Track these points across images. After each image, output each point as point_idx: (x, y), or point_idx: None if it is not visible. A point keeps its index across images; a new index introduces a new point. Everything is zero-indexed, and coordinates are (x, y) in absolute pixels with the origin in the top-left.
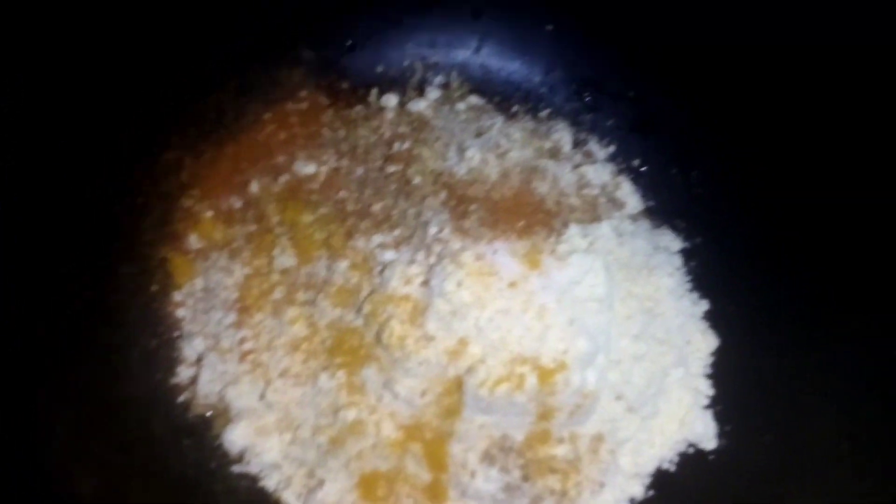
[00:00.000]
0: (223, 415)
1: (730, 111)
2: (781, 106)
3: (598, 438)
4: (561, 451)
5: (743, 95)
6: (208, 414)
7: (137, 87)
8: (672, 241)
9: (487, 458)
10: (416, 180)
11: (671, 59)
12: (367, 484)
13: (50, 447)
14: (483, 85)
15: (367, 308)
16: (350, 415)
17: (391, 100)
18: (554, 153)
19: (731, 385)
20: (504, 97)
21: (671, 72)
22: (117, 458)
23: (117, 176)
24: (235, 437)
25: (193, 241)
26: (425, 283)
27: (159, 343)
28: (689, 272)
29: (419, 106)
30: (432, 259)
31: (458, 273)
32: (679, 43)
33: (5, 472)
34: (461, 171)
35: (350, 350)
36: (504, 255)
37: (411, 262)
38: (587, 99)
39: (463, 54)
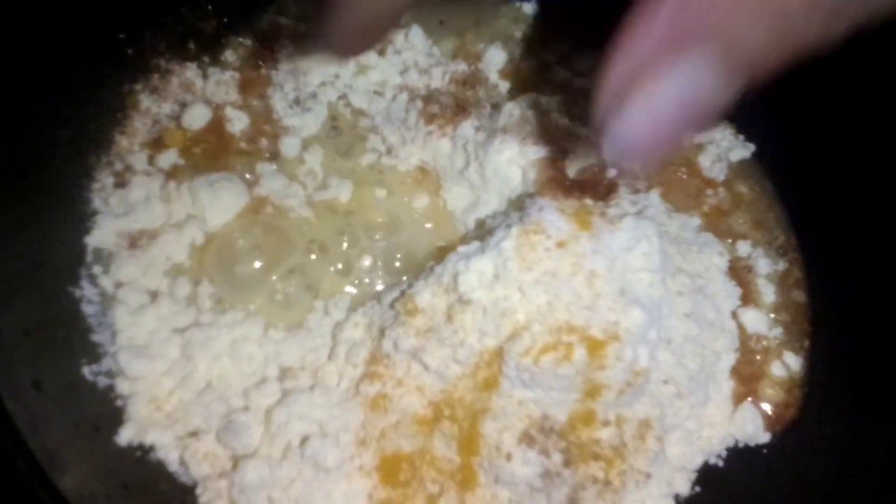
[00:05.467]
0: None
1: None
2: None
3: (646, 424)
4: (606, 434)
5: None
6: None
7: None
8: None
9: (526, 439)
10: None
11: None
12: (389, 466)
13: None
14: None
15: None
16: (372, 389)
17: None
18: None
19: None
20: None
21: None
22: None
23: None
24: None
25: None
26: None
27: None
28: None
29: None
30: None
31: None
32: None
33: None
34: None
35: None
36: (551, 212)
37: None
38: None
39: None
